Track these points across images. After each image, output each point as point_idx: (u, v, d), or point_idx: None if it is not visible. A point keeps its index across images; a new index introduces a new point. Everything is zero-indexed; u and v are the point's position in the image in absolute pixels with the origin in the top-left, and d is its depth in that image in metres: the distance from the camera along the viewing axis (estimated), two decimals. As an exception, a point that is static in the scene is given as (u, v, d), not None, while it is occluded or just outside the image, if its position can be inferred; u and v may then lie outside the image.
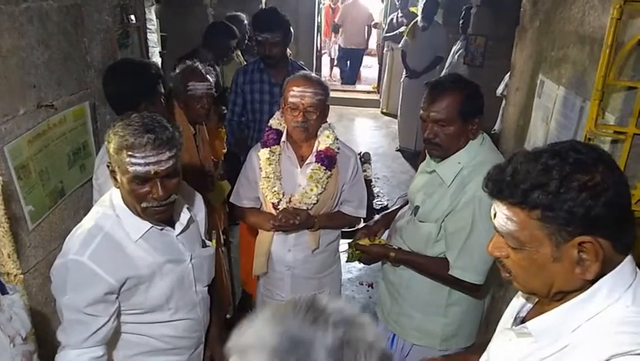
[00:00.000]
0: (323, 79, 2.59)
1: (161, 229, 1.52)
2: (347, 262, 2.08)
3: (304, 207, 2.04)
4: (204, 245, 1.70)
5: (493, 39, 5.11)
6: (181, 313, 1.59)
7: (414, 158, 5.87)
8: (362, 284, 3.72)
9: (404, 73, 6.27)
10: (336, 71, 10.24)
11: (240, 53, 4.24)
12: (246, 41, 4.30)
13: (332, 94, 2.19)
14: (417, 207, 1.84)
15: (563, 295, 0.93)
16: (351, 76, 9.63)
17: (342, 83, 9.63)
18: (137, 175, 1.35)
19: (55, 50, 1.92)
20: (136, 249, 1.46)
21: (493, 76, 4.24)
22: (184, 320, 1.60)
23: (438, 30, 6.00)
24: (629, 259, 0.90)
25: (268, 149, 2.07)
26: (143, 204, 1.41)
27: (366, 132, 7.53)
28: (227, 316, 2.81)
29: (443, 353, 1.81)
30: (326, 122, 2.09)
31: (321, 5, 8.62)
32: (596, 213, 0.83)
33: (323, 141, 2.06)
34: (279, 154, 2.08)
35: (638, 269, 0.91)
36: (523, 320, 1.04)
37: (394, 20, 7.40)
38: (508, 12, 3.27)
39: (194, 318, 1.64)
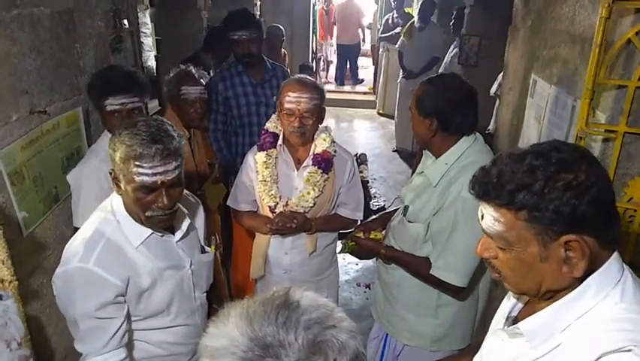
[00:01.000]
0: (319, 81, 2.59)
1: (162, 236, 1.52)
2: (339, 253, 2.09)
3: (301, 211, 2.04)
4: (203, 251, 1.70)
5: (487, 39, 5.12)
6: (180, 319, 1.59)
7: (411, 158, 5.86)
8: (359, 285, 3.71)
9: (401, 74, 6.26)
10: (332, 72, 10.24)
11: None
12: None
13: (328, 95, 2.19)
14: (406, 207, 1.84)
15: (552, 294, 0.94)
16: (354, 74, 9.69)
17: (338, 84, 9.65)
18: (143, 185, 1.34)
19: (47, 56, 1.92)
20: (136, 255, 1.46)
21: (488, 75, 4.24)
22: (183, 326, 1.60)
23: (435, 31, 6.00)
24: (615, 256, 0.91)
25: (265, 152, 2.07)
26: (148, 213, 1.40)
27: (363, 133, 7.53)
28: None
29: (434, 355, 1.81)
30: (322, 124, 2.09)
31: (315, 7, 8.62)
32: (582, 212, 0.84)
33: (320, 144, 2.05)
34: (276, 157, 2.08)
35: (625, 266, 0.92)
36: (515, 320, 1.05)
37: (390, 21, 7.41)
38: (502, 11, 3.28)
39: (193, 324, 1.64)
